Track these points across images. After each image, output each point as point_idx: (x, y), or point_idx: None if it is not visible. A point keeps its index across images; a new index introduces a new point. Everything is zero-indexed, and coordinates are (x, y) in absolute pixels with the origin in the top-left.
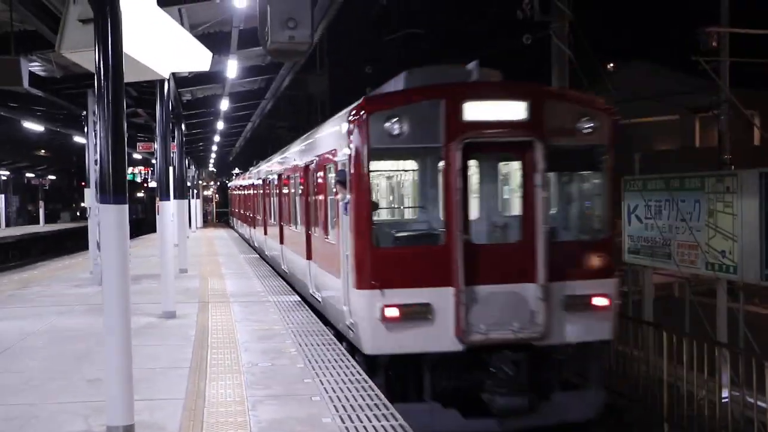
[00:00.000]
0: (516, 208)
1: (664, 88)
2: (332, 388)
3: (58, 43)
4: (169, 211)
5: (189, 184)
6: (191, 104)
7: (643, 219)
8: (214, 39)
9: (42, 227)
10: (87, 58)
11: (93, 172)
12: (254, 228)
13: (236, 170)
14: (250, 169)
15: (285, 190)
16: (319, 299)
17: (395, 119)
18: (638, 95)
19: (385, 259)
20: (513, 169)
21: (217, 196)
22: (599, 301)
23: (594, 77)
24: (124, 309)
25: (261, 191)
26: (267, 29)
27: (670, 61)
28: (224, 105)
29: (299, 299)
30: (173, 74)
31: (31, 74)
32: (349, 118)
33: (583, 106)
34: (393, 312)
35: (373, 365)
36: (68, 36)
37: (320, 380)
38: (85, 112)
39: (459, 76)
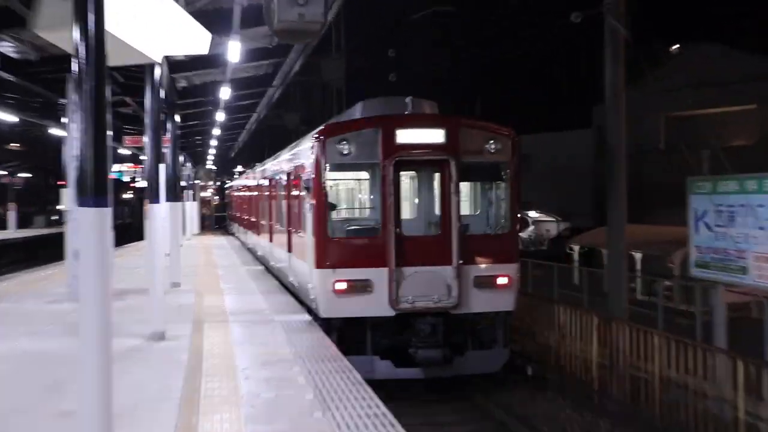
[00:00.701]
0: (437, 209)
1: (739, 73)
2: (347, 423)
3: (32, 21)
4: (159, 215)
5: (184, 184)
6: (187, 92)
7: (713, 227)
8: (214, 17)
9: (12, 233)
10: (64, 37)
11: (71, 170)
12: (258, 235)
13: (239, 168)
14: (255, 166)
15: (294, 192)
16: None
17: (345, 142)
18: (708, 81)
19: (337, 246)
20: (436, 180)
21: (216, 198)
22: (502, 281)
23: (654, 60)
24: (103, 329)
25: (266, 193)
26: (273, 6)
27: (746, 42)
28: (225, 93)
29: (310, 319)
30: (166, 58)
31: (2, 56)
32: (313, 140)
33: (490, 132)
34: (342, 285)
35: (328, 327)
36: (43, 12)
37: (333, 414)
38: (63, 100)
39: (399, 107)
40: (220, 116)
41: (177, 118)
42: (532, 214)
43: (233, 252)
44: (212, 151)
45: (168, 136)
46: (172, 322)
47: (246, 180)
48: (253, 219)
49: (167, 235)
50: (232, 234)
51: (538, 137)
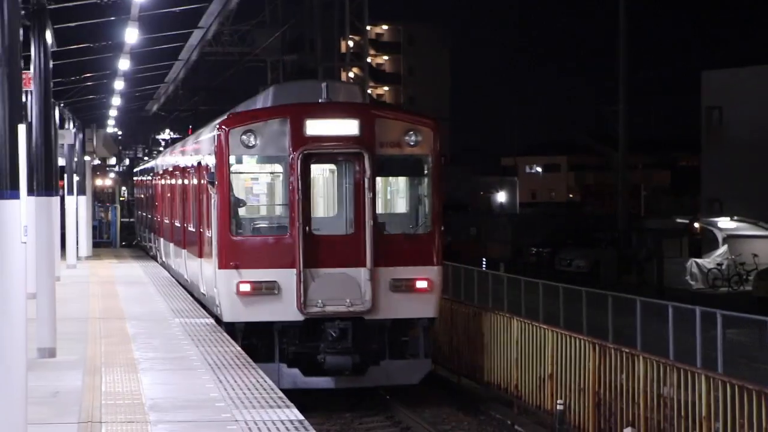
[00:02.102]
0: (350, 207)
1: None
2: None
3: None
4: (12, 221)
5: (63, 163)
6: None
7: None
8: None
9: None
10: None
11: None
12: (171, 244)
13: (165, 136)
14: (174, 145)
15: (199, 187)
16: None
17: (250, 133)
18: None
19: (242, 245)
20: (349, 174)
21: (125, 190)
22: (421, 285)
23: None
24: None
25: (176, 187)
26: None
27: None
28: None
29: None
30: None
31: None
32: (216, 131)
33: (409, 123)
34: (246, 287)
35: (233, 332)
36: None
37: None
38: None
39: (313, 93)
40: (131, 38)
41: (50, 37)
42: (724, 224)
43: (155, 287)
44: (117, 102)
45: (33, 69)
46: (37, 424)
47: (162, 162)
48: (164, 221)
49: (30, 260)
50: (153, 256)
51: (730, 75)
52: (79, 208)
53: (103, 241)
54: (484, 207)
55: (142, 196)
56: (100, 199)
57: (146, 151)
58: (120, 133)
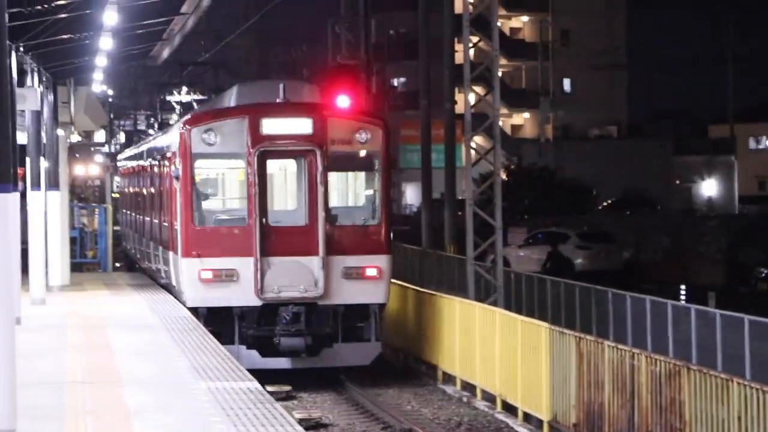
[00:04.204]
0: (304, 200)
1: None
2: None
3: None
4: None
5: (23, 140)
6: None
7: None
8: None
9: None
10: None
11: None
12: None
13: (181, 97)
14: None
15: (166, 182)
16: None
17: (211, 131)
18: None
19: (204, 235)
20: (304, 169)
21: (118, 180)
22: (371, 272)
23: None
24: None
25: (148, 182)
26: None
27: None
28: None
29: None
30: None
31: None
32: (180, 130)
33: (359, 122)
34: (207, 274)
35: (195, 316)
36: None
37: None
38: None
39: (273, 93)
40: None
41: None
42: None
43: (171, 342)
44: (107, 46)
45: None
46: None
47: (139, 152)
48: (142, 218)
49: None
50: (146, 271)
51: None
52: (49, 210)
53: (86, 262)
54: (682, 203)
55: (126, 190)
56: (83, 196)
57: (152, 121)
58: (112, 93)
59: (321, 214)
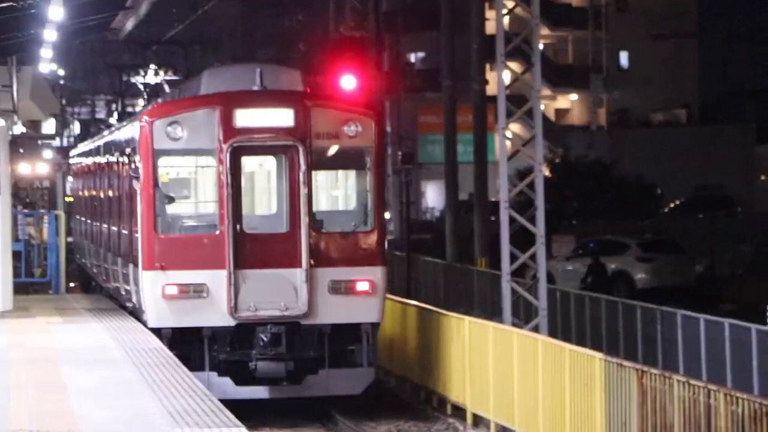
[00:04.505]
0: (285, 203)
1: None
2: None
3: None
4: None
5: None
6: None
7: None
8: None
9: None
10: None
11: None
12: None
13: (150, 79)
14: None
15: (125, 182)
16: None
17: (176, 124)
18: None
19: (168, 245)
20: (285, 168)
21: (71, 181)
22: (362, 286)
23: None
24: None
25: (102, 182)
26: None
27: None
28: None
29: None
30: None
31: None
32: (140, 123)
33: (349, 113)
34: (172, 290)
35: (159, 338)
36: None
37: None
38: None
39: (247, 79)
40: None
41: None
42: None
43: (139, 379)
44: (57, 16)
45: None
46: None
47: (94, 147)
48: (96, 224)
49: None
50: (108, 290)
51: None
52: None
53: (34, 282)
54: None
55: (80, 193)
56: (28, 200)
57: (113, 108)
58: (63, 74)
59: (304, 220)
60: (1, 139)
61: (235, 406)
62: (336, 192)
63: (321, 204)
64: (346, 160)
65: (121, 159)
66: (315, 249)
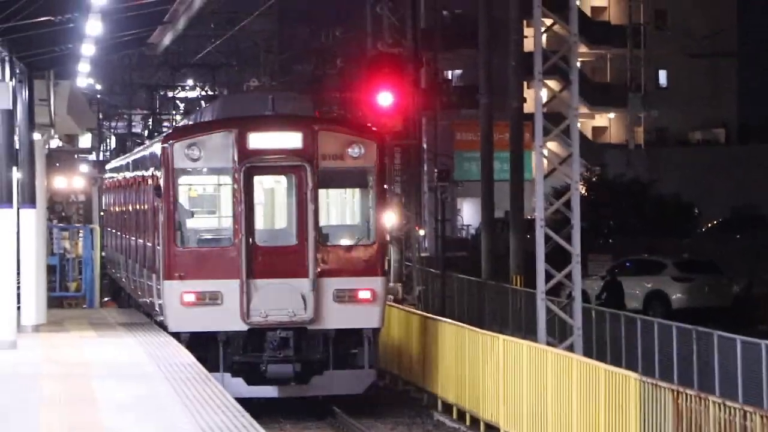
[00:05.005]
0: (294, 219)
1: None
2: None
3: None
4: None
5: None
6: None
7: None
8: None
9: None
10: None
11: None
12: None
13: (187, 93)
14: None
15: (148, 200)
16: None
17: (195, 147)
18: None
19: (187, 256)
20: (294, 186)
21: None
22: (364, 295)
23: None
24: None
25: (132, 199)
26: None
27: None
28: None
29: None
30: None
31: None
32: (162, 144)
33: (352, 135)
34: (190, 297)
35: (178, 341)
36: None
37: None
38: None
39: (261, 105)
40: None
41: None
42: None
43: (172, 394)
44: (95, 31)
45: None
46: None
47: (126, 163)
48: (126, 239)
49: None
50: (139, 306)
51: None
52: (22, 231)
53: (68, 296)
54: None
55: (112, 207)
56: (64, 214)
57: (149, 123)
58: (100, 89)
59: (311, 234)
60: (38, 153)
61: (249, 407)
62: (340, 208)
63: (326, 219)
64: (349, 179)
65: (146, 176)
66: (321, 261)
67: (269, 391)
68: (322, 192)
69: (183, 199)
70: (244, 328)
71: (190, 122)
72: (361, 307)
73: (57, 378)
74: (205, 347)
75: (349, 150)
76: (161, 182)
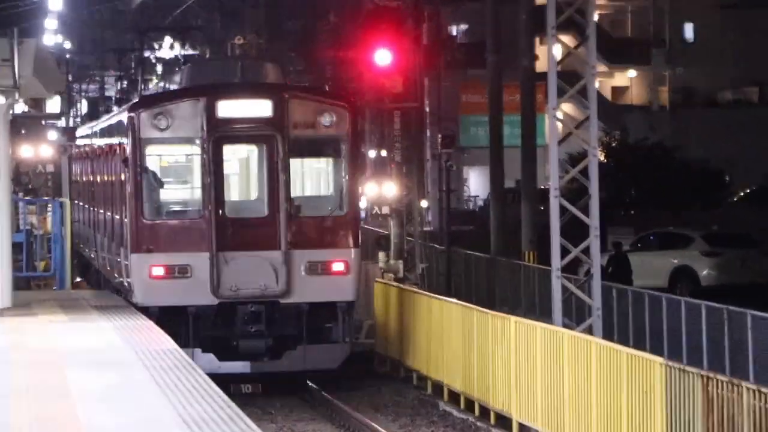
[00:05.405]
0: (265, 189)
1: None
2: None
3: None
4: None
5: None
6: None
7: None
8: None
9: None
10: None
11: None
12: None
13: (164, 52)
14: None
15: (114, 171)
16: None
17: (161, 116)
18: None
19: (154, 229)
20: (264, 156)
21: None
22: (338, 267)
23: None
24: None
25: (98, 169)
26: None
27: None
28: None
29: None
30: None
31: None
32: (128, 113)
33: (324, 104)
34: (159, 271)
35: (147, 315)
36: None
37: None
38: None
39: (230, 71)
40: None
41: None
42: None
43: (149, 381)
44: None
45: None
46: None
47: (93, 131)
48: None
49: None
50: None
51: None
52: None
53: (36, 276)
54: None
55: (80, 178)
56: (31, 186)
57: (124, 85)
58: (70, 47)
59: (283, 205)
60: (0, 118)
61: (219, 378)
62: (313, 178)
63: (298, 190)
64: (322, 148)
65: (113, 146)
66: (293, 232)
67: (241, 367)
68: (293, 162)
69: (150, 169)
70: (215, 302)
71: (159, 89)
72: (334, 279)
73: (25, 366)
74: (175, 322)
75: (320, 118)
76: (128, 152)
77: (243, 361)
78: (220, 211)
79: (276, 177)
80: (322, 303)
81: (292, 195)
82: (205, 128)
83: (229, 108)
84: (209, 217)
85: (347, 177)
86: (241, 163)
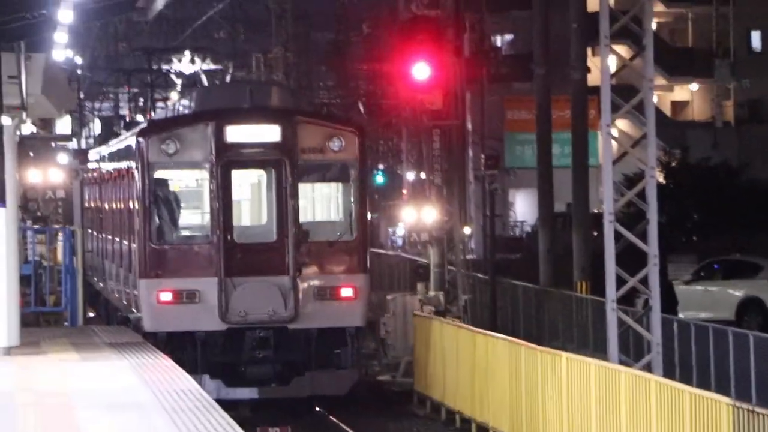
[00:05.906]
0: (274, 214)
1: None
2: None
3: None
4: None
5: None
6: None
7: None
8: None
9: None
10: None
11: None
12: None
13: (184, 66)
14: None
15: (123, 195)
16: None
17: (170, 141)
18: None
19: (163, 254)
20: (273, 181)
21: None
22: (346, 292)
23: None
24: None
25: (107, 195)
26: None
27: None
28: None
29: None
30: None
31: None
32: (137, 138)
33: (333, 128)
34: (167, 296)
35: (155, 342)
36: None
37: None
38: None
39: (238, 97)
40: None
41: None
42: None
43: (169, 426)
44: None
45: None
46: None
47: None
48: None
49: None
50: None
51: None
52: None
53: (46, 311)
54: None
55: (91, 204)
56: (40, 214)
57: (140, 103)
58: (81, 63)
59: (291, 230)
60: (7, 140)
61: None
62: (321, 203)
63: (307, 215)
64: (330, 173)
65: (121, 171)
66: (301, 257)
67: (249, 393)
68: (302, 187)
69: (158, 194)
70: (223, 327)
71: (170, 112)
72: (343, 304)
73: (34, 409)
74: (182, 348)
75: (329, 143)
76: (136, 177)
77: (250, 387)
78: (229, 236)
79: (284, 202)
80: (330, 328)
81: (301, 220)
82: (213, 153)
83: (237, 133)
84: (217, 242)
85: (356, 202)
86: (250, 188)
